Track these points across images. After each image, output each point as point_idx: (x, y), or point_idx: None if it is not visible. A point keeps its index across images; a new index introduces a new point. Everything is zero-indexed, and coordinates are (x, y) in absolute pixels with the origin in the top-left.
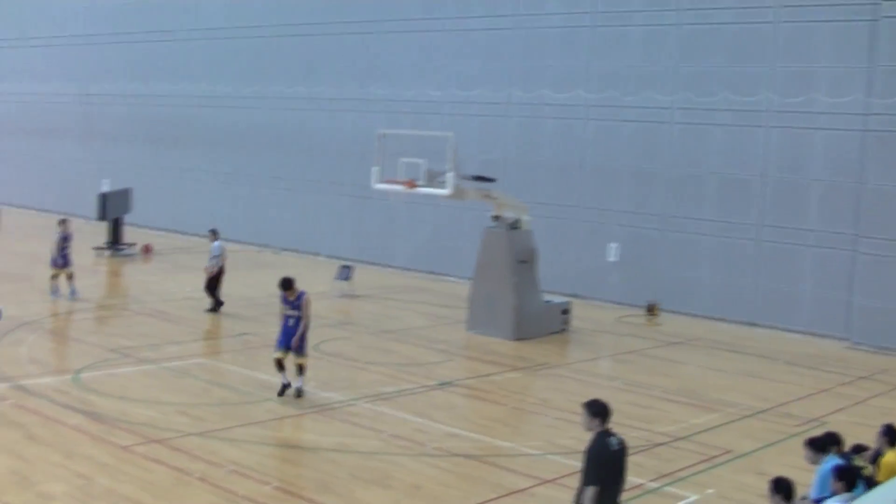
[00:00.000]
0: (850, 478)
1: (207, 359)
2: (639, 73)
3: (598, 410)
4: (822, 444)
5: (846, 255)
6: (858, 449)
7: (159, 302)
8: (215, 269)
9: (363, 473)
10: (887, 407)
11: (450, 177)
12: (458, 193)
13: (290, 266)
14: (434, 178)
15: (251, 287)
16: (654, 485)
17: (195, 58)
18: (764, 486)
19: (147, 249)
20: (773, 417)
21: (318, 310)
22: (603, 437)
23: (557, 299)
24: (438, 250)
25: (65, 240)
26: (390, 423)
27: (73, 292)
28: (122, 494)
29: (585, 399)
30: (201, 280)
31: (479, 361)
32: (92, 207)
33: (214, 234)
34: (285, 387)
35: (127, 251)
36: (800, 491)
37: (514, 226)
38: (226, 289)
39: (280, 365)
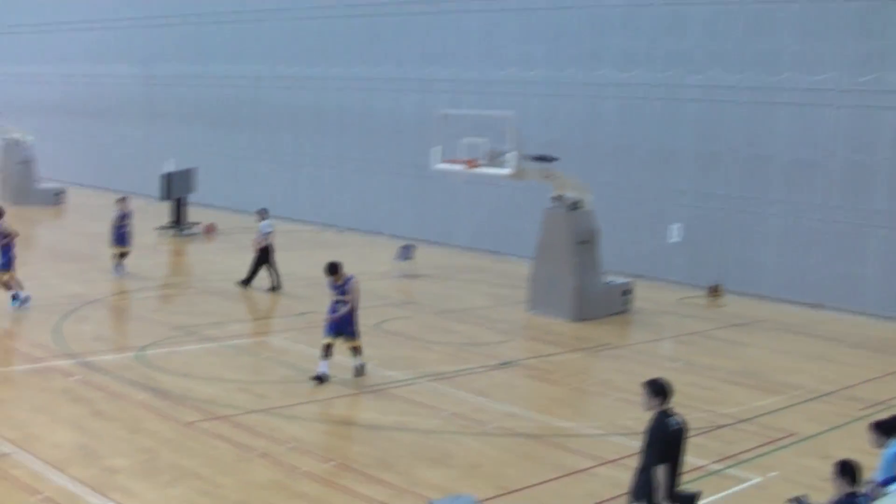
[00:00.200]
0: None
1: (269, 337)
2: (703, 52)
3: (658, 389)
4: (889, 427)
5: None
6: None
7: (222, 281)
8: (263, 243)
9: (423, 452)
10: None
11: (511, 157)
12: (519, 173)
13: (352, 245)
14: (495, 158)
15: (313, 267)
16: (716, 466)
17: (259, 39)
18: (828, 469)
19: (210, 229)
20: (838, 400)
21: (380, 289)
22: (663, 416)
23: (619, 280)
24: (499, 230)
25: (123, 218)
26: (450, 402)
27: (118, 269)
28: (186, 469)
29: (643, 382)
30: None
31: (539, 342)
32: (156, 187)
33: (263, 214)
34: (320, 377)
35: (190, 230)
36: (864, 475)
37: (576, 206)
38: (288, 268)
39: (328, 351)
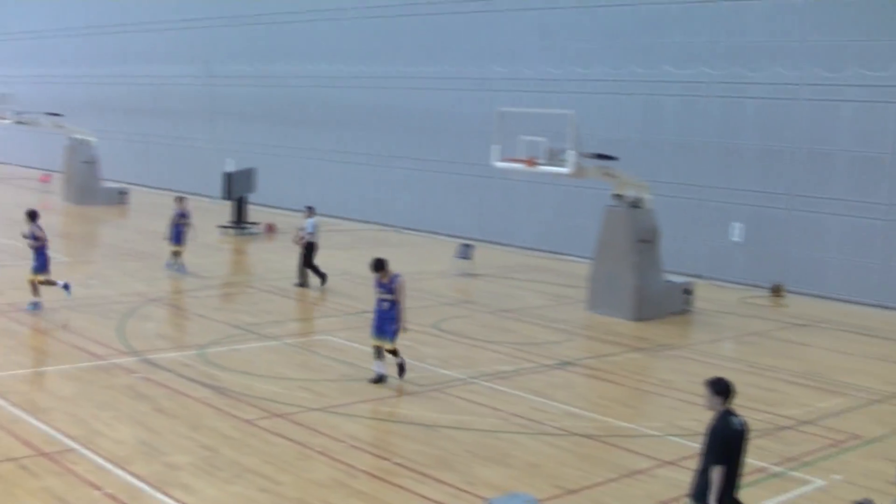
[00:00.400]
0: None
1: (328, 335)
2: (764, 48)
3: (721, 389)
4: None
5: None
6: None
7: (282, 280)
8: (304, 240)
9: (482, 451)
10: None
11: (570, 155)
12: (578, 172)
13: (411, 245)
14: (555, 157)
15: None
16: (778, 469)
17: (318, 38)
18: (894, 472)
19: (270, 228)
20: None
21: (438, 288)
22: (726, 416)
23: (679, 279)
24: (559, 229)
25: (181, 216)
26: (509, 401)
27: (169, 265)
28: (246, 466)
29: (706, 381)
30: (325, 259)
31: (599, 341)
32: (216, 187)
33: (310, 211)
34: (380, 377)
35: (251, 230)
36: None
37: (636, 205)
38: (347, 266)
39: (379, 352)
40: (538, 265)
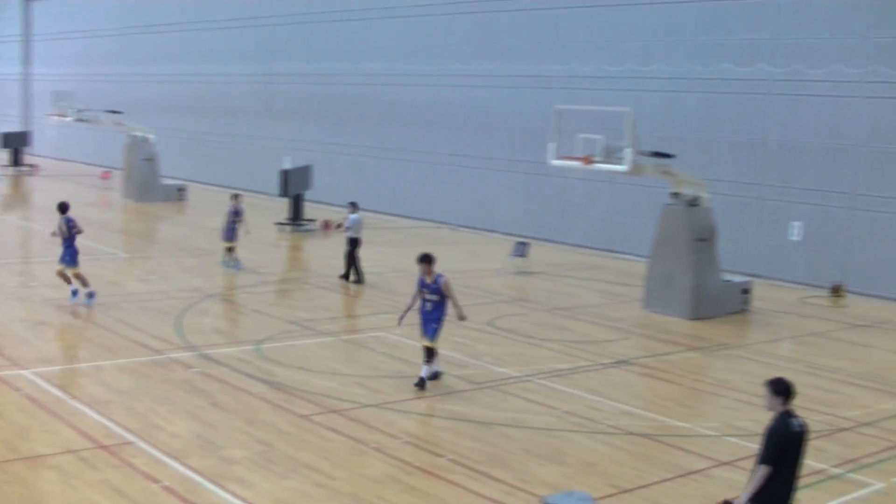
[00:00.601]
0: None
1: (384, 332)
2: (826, 45)
3: (780, 389)
4: None
5: None
6: None
7: (338, 276)
8: (349, 234)
9: (536, 449)
10: None
11: (627, 153)
12: (635, 170)
13: (466, 242)
14: (611, 154)
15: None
16: (836, 471)
17: (374, 36)
18: None
19: (327, 225)
20: None
21: (493, 286)
22: (785, 417)
23: (737, 279)
24: (615, 227)
25: (235, 214)
26: (564, 399)
27: (225, 263)
28: (301, 461)
29: (765, 381)
30: (379, 255)
31: (655, 340)
32: (272, 184)
33: (354, 207)
34: (436, 374)
35: (307, 226)
36: None
37: (693, 203)
38: (402, 264)
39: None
40: (593, 263)
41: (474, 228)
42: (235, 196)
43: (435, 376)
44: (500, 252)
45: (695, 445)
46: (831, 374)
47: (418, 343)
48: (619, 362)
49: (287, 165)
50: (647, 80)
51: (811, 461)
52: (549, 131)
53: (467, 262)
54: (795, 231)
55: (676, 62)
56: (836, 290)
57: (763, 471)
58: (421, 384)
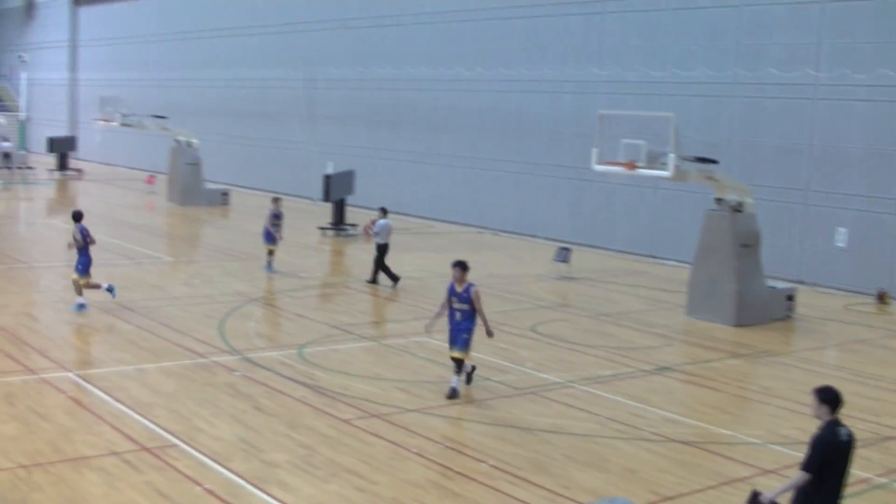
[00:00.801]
0: None
1: (426, 337)
2: (872, 49)
3: (828, 398)
4: None
5: None
6: None
7: (381, 281)
8: (378, 240)
9: (579, 455)
10: None
11: (671, 158)
12: (679, 175)
13: (508, 248)
14: (655, 160)
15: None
16: (882, 480)
17: (417, 42)
18: None
19: (369, 230)
20: None
21: (535, 292)
22: (832, 426)
23: (781, 285)
24: (658, 233)
25: (275, 217)
26: (607, 406)
27: (270, 268)
28: (342, 465)
29: (810, 389)
30: (422, 260)
31: (698, 347)
32: (315, 189)
33: (383, 212)
34: (455, 390)
35: (349, 231)
36: None
37: (738, 209)
38: (444, 269)
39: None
40: (636, 269)
41: (517, 233)
42: (275, 199)
43: (469, 377)
44: (543, 257)
45: (738, 453)
46: (876, 382)
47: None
48: (662, 369)
49: (330, 170)
50: (690, 85)
51: (856, 470)
52: (592, 136)
53: (510, 268)
54: (841, 237)
55: (720, 67)
56: (882, 297)
57: (801, 476)
58: (453, 394)
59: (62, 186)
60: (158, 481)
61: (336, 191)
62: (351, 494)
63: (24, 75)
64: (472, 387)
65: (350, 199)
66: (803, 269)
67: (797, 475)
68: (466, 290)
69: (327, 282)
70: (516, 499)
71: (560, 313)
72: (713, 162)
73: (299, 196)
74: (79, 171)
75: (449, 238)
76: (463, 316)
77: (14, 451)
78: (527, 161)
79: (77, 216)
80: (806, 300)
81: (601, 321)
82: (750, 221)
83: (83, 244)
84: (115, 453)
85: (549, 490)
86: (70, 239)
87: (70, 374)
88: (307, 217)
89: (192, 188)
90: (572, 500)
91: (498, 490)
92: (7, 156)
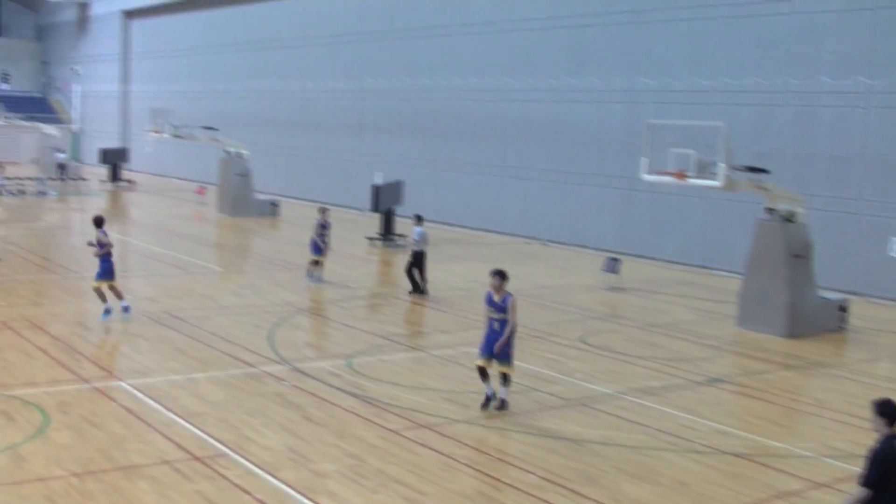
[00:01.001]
0: None
1: (475, 348)
2: None
3: (884, 410)
4: None
5: None
6: None
7: (429, 291)
8: (414, 248)
9: (629, 467)
10: None
11: (721, 168)
12: (729, 185)
13: (557, 258)
14: (705, 169)
15: (518, 279)
16: None
17: (465, 52)
18: None
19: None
20: None
21: (584, 302)
22: (890, 440)
23: (834, 296)
24: (708, 243)
25: (322, 227)
26: (657, 417)
27: (309, 275)
28: (391, 476)
29: (864, 401)
30: (470, 270)
31: (749, 358)
32: (365, 199)
33: (419, 220)
34: (489, 399)
35: (398, 241)
36: None
37: (789, 219)
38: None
39: (483, 373)
40: (685, 279)
41: (565, 244)
42: (323, 210)
43: (488, 401)
44: (592, 268)
45: (790, 466)
46: None
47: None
48: (713, 380)
49: (378, 181)
50: (739, 94)
51: None
52: (640, 146)
53: (558, 278)
54: (895, 247)
55: (770, 75)
56: None
57: (859, 492)
58: (501, 405)
59: (114, 197)
60: (209, 490)
61: (384, 201)
62: None
63: (77, 88)
64: (521, 398)
65: (399, 210)
66: (856, 279)
67: (856, 491)
68: (504, 300)
69: (376, 292)
70: None
71: (609, 324)
72: (764, 171)
73: (348, 206)
74: (131, 181)
75: (497, 248)
76: (501, 326)
77: (67, 460)
78: (575, 171)
79: (98, 221)
80: (859, 311)
81: (651, 332)
82: (802, 231)
83: (101, 250)
84: (165, 462)
85: (599, 502)
86: (95, 246)
87: (122, 384)
88: (355, 227)
89: (241, 199)
90: None
91: (547, 502)
92: (61, 167)
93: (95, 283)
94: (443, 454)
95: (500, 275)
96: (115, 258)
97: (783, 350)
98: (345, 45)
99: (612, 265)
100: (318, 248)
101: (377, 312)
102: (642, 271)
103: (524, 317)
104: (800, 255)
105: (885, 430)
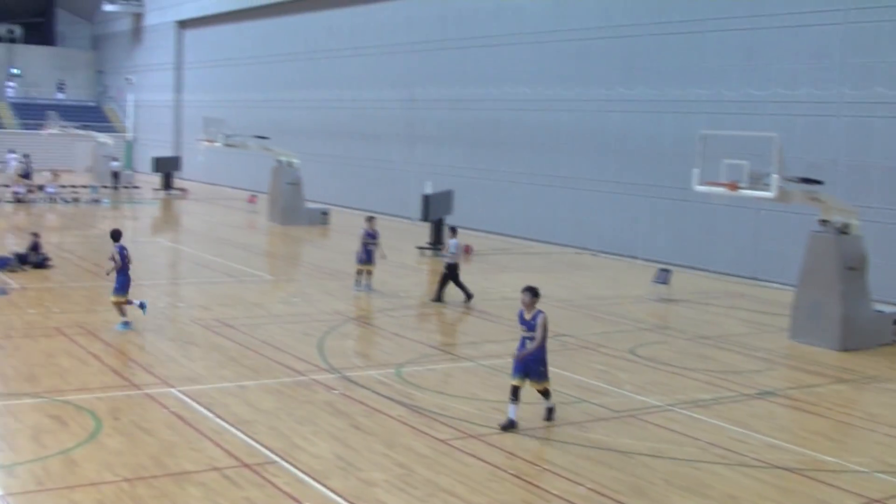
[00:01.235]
0: None
1: None
2: None
3: None
4: None
5: None
6: None
7: (478, 301)
8: (450, 260)
9: (678, 480)
10: None
11: (774, 179)
12: (782, 196)
13: (607, 269)
14: (758, 180)
15: (568, 289)
16: None
17: (516, 62)
18: None
19: (467, 250)
20: None
21: (635, 313)
22: None
23: (889, 309)
24: (760, 255)
25: (369, 236)
26: (707, 430)
27: (367, 287)
28: (439, 485)
29: None
30: (520, 281)
31: (802, 371)
32: (415, 208)
33: (453, 232)
34: (512, 423)
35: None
36: None
37: (843, 231)
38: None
39: (516, 394)
40: (737, 291)
41: (616, 255)
42: (370, 219)
43: (510, 425)
44: (643, 279)
45: (843, 481)
46: None
47: (558, 370)
48: (765, 393)
49: (429, 190)
50: (793, 105)
51: None
52: (692, 157)
53: (609, 289)
54: None
55: (825, 86)
56: None
57: None
58: (549, 415)
59: (166, 205)
60: (258, 497)
61: (435, 210)
62: None
63: (131, 97)
64: (570, 409)
65: (449, 219)
66: None
67: None
68: (534, 318)
69: (425, 302)
70: None
71: (659, 335)
72: (818, 183)
73: (398, 216)
74: (183, 190)
75: (547, 259)
76: (531, 342)
77: (118, 465)
78: (626, 181)
79: (115, 235)
80: None
81: (701, 344)
82: (856, 243)
83: (122, 265)
84: (215, 469)
85: None
86: (109, 263)
87: (173, 390)
88: (406, 236)
89: (292, 207)
90: None
91: None
92: (115, 175)
93: (113, 298)
94: (491, 464)
95: (532, 291)
96: (170, 265)
97: (836, 363)
98: (396, 55)
99: (663, 276)
100: (366, 257)
101: (426, 322)
102: (693, 283)
103: (575, 328)
104: (854, 268)
105: None
